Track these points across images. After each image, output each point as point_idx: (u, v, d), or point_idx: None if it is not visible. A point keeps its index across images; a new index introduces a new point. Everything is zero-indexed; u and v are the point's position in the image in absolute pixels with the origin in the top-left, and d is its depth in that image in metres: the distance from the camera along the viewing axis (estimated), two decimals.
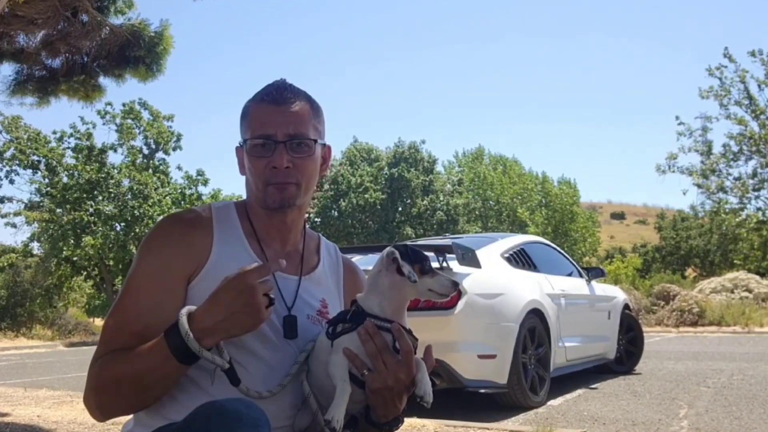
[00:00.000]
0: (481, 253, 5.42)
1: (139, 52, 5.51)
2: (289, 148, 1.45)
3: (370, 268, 1.47)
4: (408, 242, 1.73)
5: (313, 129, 1.49)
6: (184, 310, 1.28)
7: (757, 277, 19.74)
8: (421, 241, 6.82)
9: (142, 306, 1.38)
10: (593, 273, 7.51)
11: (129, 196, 23.80)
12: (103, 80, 5.91)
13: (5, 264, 22.92)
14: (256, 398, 1.32)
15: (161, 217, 1.92)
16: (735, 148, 23.55)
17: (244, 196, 1.58)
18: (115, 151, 25.10)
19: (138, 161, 25.16)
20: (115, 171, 24.23)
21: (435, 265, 4.75)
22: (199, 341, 1.25)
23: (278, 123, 1.45)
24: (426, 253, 1.47)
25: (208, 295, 1.37)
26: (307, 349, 1.45)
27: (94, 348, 1.43)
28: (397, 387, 1.36)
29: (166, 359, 1.27)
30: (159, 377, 1.29)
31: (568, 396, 5.91)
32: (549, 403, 5.51)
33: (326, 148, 1.56)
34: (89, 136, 24.30)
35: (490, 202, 40.31)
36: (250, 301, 1.26)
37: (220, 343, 1.30)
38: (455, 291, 1.42)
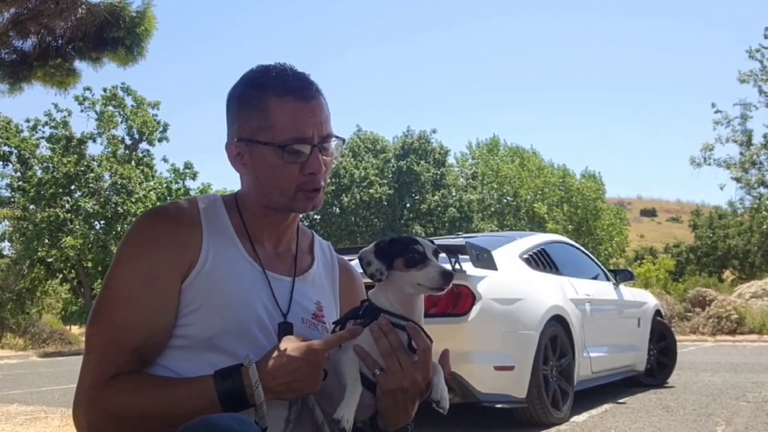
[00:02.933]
0: (497, 254, 5.42)
1: (119, 34, 5.48)
2: (320, 149, 1.46)
3: None
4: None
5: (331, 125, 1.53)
6: (250, 361, 1.33)
7: None
8: None
9: (139, 317, 1.37)
10: (621, 276, 7.50)
11: (110, 192, 23.85)
12: (78, 64, 5.89)
13: None
14: None
15: (142, 212, 1.92)
16: None
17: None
18: (95, 141, 25.18)
19: (120, 152, 25.21)
20: (95, 163, 24.30)
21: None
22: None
23: (312, 124, 1.45)
24: (421, 241, 1.44)
25: (200, 299, 1.40)
26: None
27: (70, 359, 1.43)
28: (412, 389, 1.38)
29: (211, 404, 1.29)
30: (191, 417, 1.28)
31: (593, 411, 5.90)
32: (572, 419, 5.51)
33: None
34: (66, 124, 24.37)
35: (507, 198, 40.29)
36: (314, 373, 1.34)
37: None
38: (447, 284, 1.39)
